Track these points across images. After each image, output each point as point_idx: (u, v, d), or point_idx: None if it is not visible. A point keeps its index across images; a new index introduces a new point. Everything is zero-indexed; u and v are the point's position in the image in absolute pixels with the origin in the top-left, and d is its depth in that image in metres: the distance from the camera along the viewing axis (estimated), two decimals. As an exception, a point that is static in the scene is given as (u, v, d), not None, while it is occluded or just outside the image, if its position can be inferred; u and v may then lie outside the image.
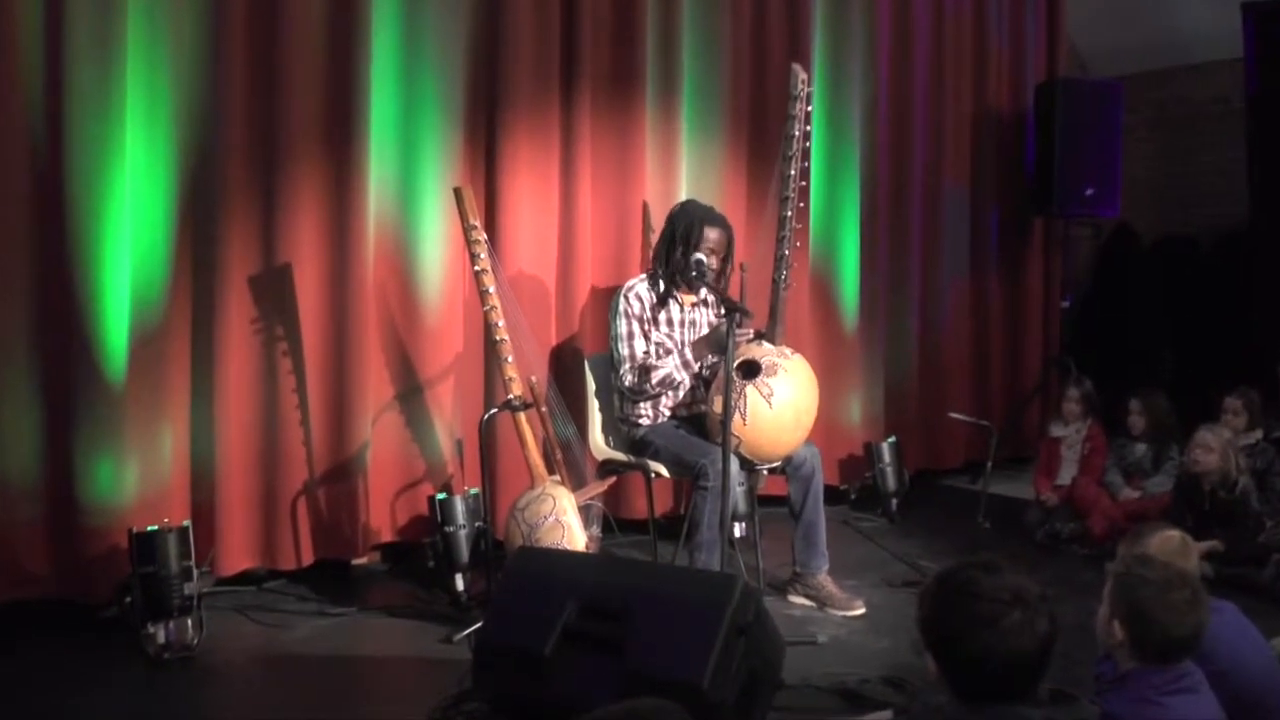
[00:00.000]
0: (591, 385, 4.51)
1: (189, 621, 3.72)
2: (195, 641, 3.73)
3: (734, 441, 3.89)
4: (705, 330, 4.38)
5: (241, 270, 4.27)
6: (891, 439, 5.91)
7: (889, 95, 6.23)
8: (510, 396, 3.96)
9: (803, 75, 4.17)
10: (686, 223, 4.27)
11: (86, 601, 3.95)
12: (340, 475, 4.47)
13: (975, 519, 4.84)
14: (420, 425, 4.72)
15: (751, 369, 4.09)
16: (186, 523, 3.83)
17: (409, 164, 4.64)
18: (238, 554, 4.31)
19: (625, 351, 4.24)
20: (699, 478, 3.98)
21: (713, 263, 4.23)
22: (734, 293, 4.28)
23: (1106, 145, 6.60)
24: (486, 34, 4.77)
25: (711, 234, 4.25)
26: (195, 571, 3.77)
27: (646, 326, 4.28)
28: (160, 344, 4.10)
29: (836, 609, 4.22)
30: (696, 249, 4.21)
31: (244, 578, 4.39)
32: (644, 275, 4.40)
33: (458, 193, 3.98)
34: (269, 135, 4.27)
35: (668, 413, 4.35)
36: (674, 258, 4.26)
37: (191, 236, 4.20)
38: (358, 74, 4.39)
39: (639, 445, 4.30)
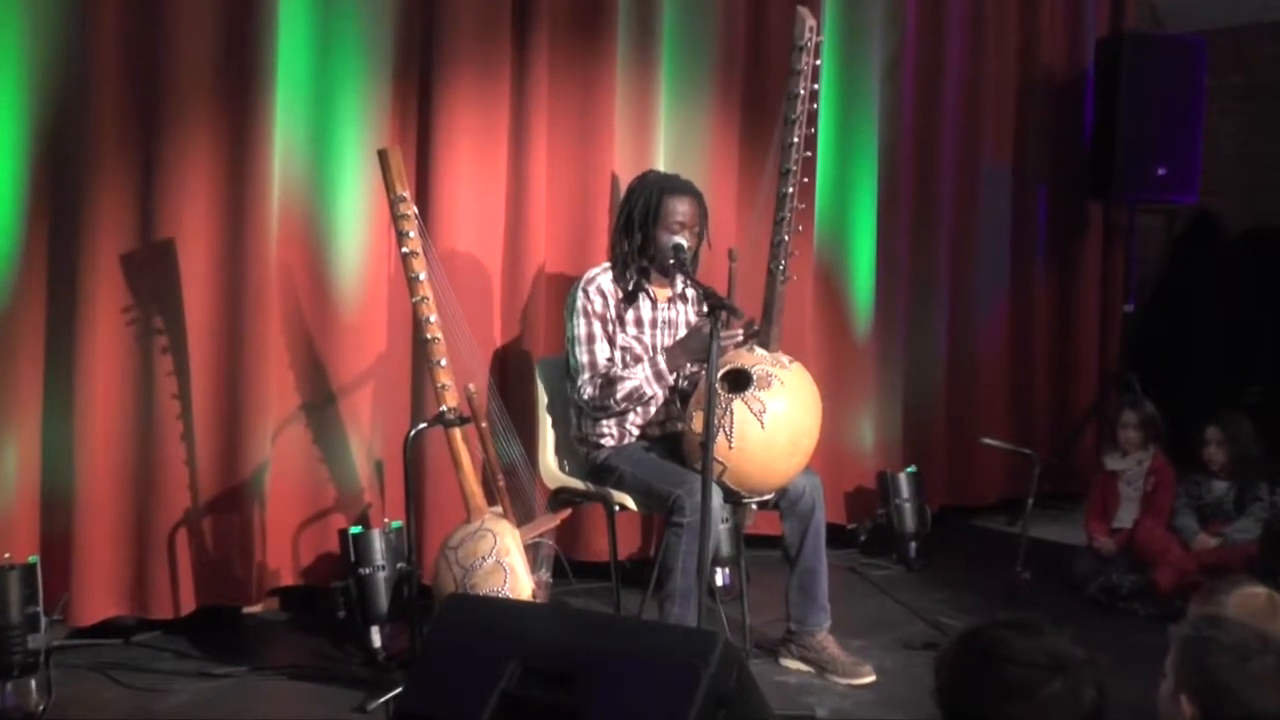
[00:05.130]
0: (543, 397, 4.51)
1: (33, 683, 3.69)
2: (41, 708, 3.70)
3: (717, 468, 3.88)
4: (683, 331, 4.38)
5: (111, 247, 4.24)
6: (911, 469, 5.93)
7: (916, 48, 6.26)
8: (443, 409, 3.95)
9: (810, 21, 4.17)
10: (644, 197, 4.29)
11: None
12: (231, 503, 4.45)
13: (1012, 568, 4.85)
14: (331, 443, 4.70)
15: (740, 380, 4.09)
16: (34, 559, 3.80)
17: (323, 120, 4.63)
18: (99, 599, 4.27)
19: (584, 358, 4.24)
20: (673, 512, 3.97)
21: (687, 240, 4.24)
22: (720, 285, 4.27)
23: (1184, 116, 6.64)
24: (422, -38, 4.79)
25: (679, 206, 4.26)
26: (44, 620, 3.73)
27: (611, 327, 4.29)
28: (5, 337, 4.06)
29: (840, 676, 4.22)
30: (661, 227, 4.23)
31: (107, 628, 4.35)
32: (608, 264, 4.41)
33: (383, 156, 3.96)
34: (150, 81, 4.24)
35: (636, 432, 4.35)
36: (635, 244, 4.29)
37: (48, 203, 4.17)
38: (262, 8, 4.37)
39: (600, 471, 4.30)
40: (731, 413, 3.99)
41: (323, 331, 4.66)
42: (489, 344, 4.91)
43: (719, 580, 4.97)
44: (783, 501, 4.28)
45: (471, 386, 3.95)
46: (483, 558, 3.80)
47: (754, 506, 4.42)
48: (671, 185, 4.33)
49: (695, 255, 4.35)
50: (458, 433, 3.97)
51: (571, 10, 5.08)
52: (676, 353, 4.23)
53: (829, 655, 4.26)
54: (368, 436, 4.75)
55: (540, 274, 5.03)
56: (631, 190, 4.39)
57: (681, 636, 3.31)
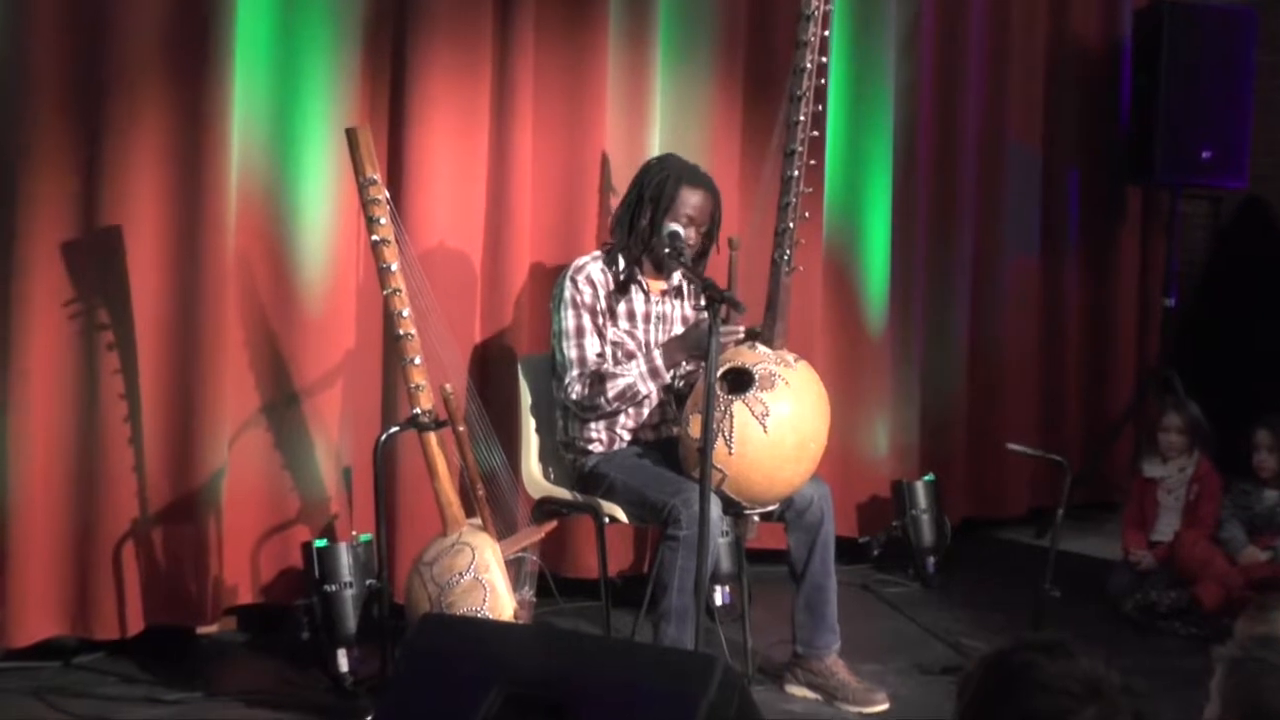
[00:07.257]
0: (526, 398, 4.52)
1: (-36, 710, 3.69)
2: (-26, 737, 3.69)
3: (716, 476, 3.87)
4: (680, 327, 4.40)
5: (51, 233, 4.23)
6: (929, 477, 5.94)
7: (936, 18, 6.26)
8: (417, 411, 3.96)
9: (818, -13, 4.18)
10: (659, 179, 4.30)
11: None
12: (184, 513, 4.45)
13: (1041, 584, 4.84)
14: (295, 448, 4.71)
15: (741, 380, 4.09)
16: (-36, 574, 3.79)
17: (286, 95, 4.63)
18: (36, 617, 4.26)
19: (573, 353, 4.25)
20: (668, 524, 3.97)
21: (690, 235, 4.25)
22: (719, 276, 4.27)
23: (1231, 93, 6.65)
24: (394, -79, 4.79)
25: (692, 197, 4.28)
26: (-25, 641, 3.73)
27: (601, 321, 4.29)
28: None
29: (851, 703, 4.22)
30: (669, 215, 4.24)
31: (45, 650, 4.34)
32: (598, 252, 4.43)
33: (351, 135, 3.97)
34: (94, 49, 4.23)
35: (627, 436, 4.36)
36: (640, 226, 4.28)
37: (-19, 185, 4.18)
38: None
39: (588, 479, 4.30)
40: (732, 415, 3.98)
41: (285, 326, 4.66)
42: (467, 340, 4.92)
43: (718, 599, 4.97)
44: (788, 513, 4.27)
45: (448, 387, 3.96)
46: (460, 574, 3.79)
47: (756, 518, 4.41)
48: (691, 175, 4.35)
49: (702, 255, 4.37)
50: (433, 437, 3.97)
51: (560, -26, 5.11)
52: (673, 349, 4.25)
53: (839, 681, 4.25)
54: (334, 441, 4.75)
55: (524, 264, 5.03)
56: (647, 168, 4.41)
57: (677, 660, 3.32)
